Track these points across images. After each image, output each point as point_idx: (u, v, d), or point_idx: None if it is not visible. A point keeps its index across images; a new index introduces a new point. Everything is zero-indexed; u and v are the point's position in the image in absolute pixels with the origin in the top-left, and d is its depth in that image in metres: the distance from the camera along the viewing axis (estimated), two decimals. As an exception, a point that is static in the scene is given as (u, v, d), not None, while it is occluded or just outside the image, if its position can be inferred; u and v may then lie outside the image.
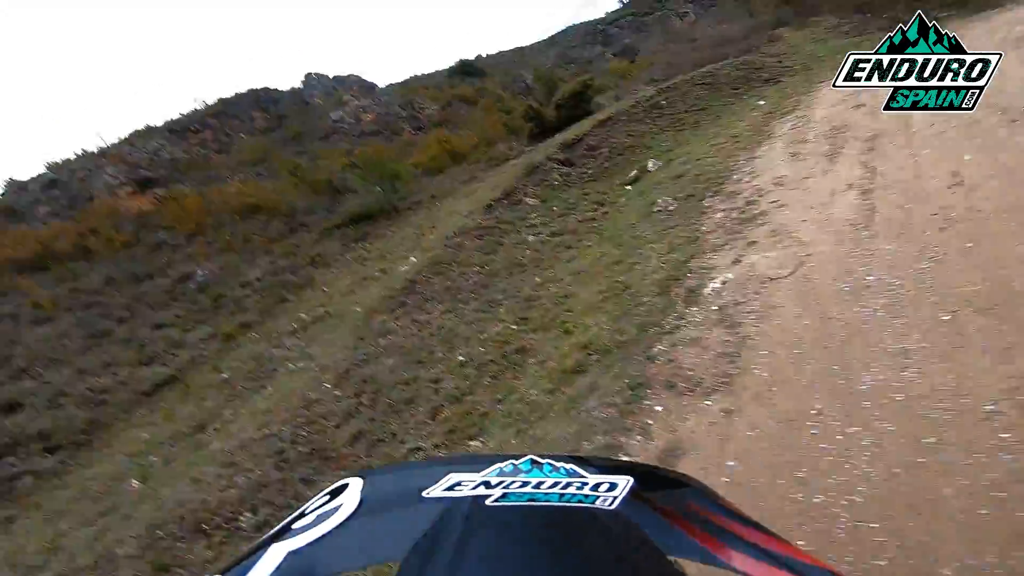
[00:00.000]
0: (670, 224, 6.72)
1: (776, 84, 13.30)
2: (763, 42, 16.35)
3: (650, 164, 10.47)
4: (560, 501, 0.53)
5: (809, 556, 0.51)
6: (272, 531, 0.53)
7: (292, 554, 0.46)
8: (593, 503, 0.54)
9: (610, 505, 0.54)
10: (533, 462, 0.60)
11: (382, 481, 0.61)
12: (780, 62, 14.43)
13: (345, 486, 0.58)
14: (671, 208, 7.33)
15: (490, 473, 0.57)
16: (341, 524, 0.50)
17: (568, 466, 0.60)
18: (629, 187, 10.07)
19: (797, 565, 0.49)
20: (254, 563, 0.47)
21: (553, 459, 0.61)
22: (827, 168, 6.33)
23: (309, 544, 0.48)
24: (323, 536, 0.49)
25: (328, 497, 0.57)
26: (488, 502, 0.52)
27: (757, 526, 0.56)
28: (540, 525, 0.50)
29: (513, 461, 0.60)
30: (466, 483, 0.55)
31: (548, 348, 5.00)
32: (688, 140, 11.40)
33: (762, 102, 11.83)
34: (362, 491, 0.56)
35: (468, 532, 0.48)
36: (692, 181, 8.00)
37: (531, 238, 8.70)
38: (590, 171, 11.54)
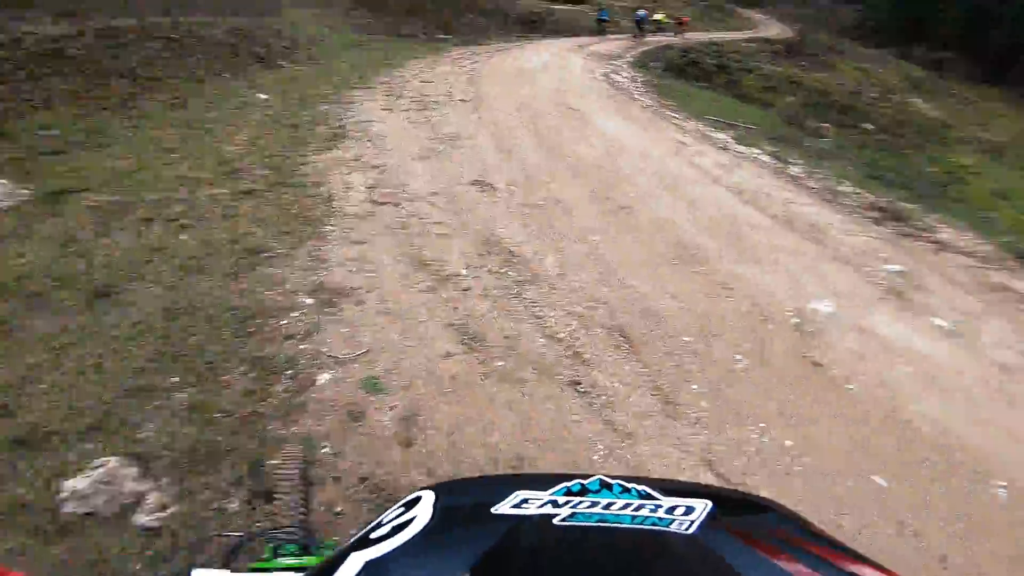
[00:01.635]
0: None
1: (276, 69, 8.80)
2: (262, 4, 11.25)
3: (-5, 194, 3.80)
4: (632, 523, 0.49)
5: None
6: (352, 540, 0.51)
7: (369, 564, 0.46)
8: (668, 527, 0.49)
9: (687, 529, 0.48)
10: (602, 483, 0.55)
11: (453, 495, 0.58)
12: (280, 39, 9.91)
13: (419, 499, 0.55)
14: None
15: (557, 492, 0.53)
16: (414, 537, 0.48)
17: (640, 487, 0.54)
18: None
19: None
20: (335, 570, 0.46)
21: (623, 480, 0.56)
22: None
23: (384, 555, 0.46)
24: (397, 548, 0.47)
25: (403, 509, 0.54)
26: (556, 521, 0.48)
27: (853, 553, 0.49)
28: (611, 547, 0.46)
29: (581, 481, 0.55)
30: (533, 501, 0.51)
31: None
32: (122, 143, 5.24)
33: (264, 96, 7.07)
34: (434, 504, 0.53)
35: (534, 551, 0.46)
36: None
37: None
38: None
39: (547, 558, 0.45)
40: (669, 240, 4.16)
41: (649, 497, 0.53)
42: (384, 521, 0.52)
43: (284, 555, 0.93)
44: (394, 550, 0.46)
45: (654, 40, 17.57)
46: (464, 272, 3.27)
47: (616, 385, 2.56)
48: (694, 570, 0.44)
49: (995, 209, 8.85)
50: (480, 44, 14.42)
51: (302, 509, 1.75)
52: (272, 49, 9.05)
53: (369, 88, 8.00)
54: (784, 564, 0.45)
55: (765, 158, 7.14)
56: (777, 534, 0.50)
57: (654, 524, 0.48)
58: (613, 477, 0.56)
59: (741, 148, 7.41)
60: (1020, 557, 2.13)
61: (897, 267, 4.59)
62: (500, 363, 2.60)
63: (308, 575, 0.53)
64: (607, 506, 0.51)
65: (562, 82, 9.94)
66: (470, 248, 3.55)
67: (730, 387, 2.69)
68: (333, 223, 3.82)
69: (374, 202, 4.18)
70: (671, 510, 0.50)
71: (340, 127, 5.99)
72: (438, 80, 9.02)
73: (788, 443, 2.43)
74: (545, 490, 0.53)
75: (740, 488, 2.28)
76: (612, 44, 15.39)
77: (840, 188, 6.47)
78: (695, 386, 2.65)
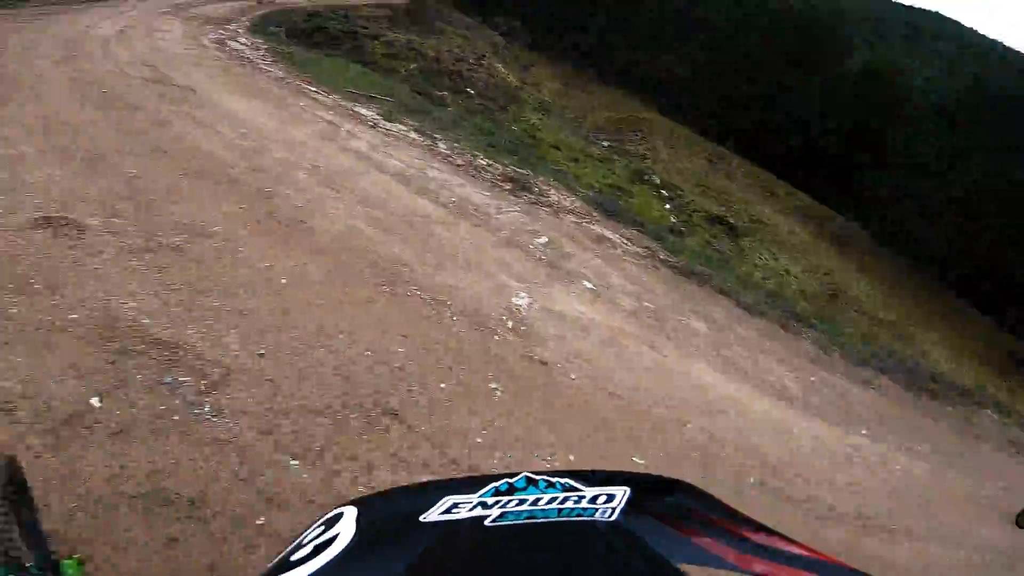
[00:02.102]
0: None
1: None
2: None
3: None
4: (559, 516, 0.50)
5: (819, 552, 0.48)
6: (271, 565, 0.49)
7: None
8: (592, 516, 0.51)
9: (609, 517, 0.50)
10: (528, 479, 0.55)
11: (377, 508, 0.56)
12: None
13: (340, 515, 0.53)
14: None
15: (485, 494, 0.53)
16: (339, 554, 0.46)
17: (563, 481, 0.56)
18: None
19: (808, 563, 0.46)
20: None
21: (548, 475, 0.57)
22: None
23: None
24: (322, 567, 0.44)
25: (323, 527, 0.51)
26: (487, 523, 0.48)
27: (760, 526, 0.52)
28: (541, 542, 0.47)
29: (508, 480, 0.55)
30: (463, 505, 0.51)
31: None
32: None
33: None
34: (357, 519, 0.51)
35: (469, 554, 0.46)
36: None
37: None
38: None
39: (481, 560, 0.43)
40: (364, 258, 3.66)
41: (573, 489, 0.52)
42: (304, 541, 0.49)
43: None
44: (318, 571, 0.43)
45: (280, 1, 15.04)
46: (97, 404, 1.95)
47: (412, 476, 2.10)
48: (618, 554, 0.44)
49: (561, 162, 11.94)
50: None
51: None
52: None
53: None
54: (698, 540, 0.45)
55: (413, 135, 7.23)
56: (690, 513, 0.51)
57: (579, 515, 0.48)
58: (538, 473, 0.55)
59: (388, 125, 7.26)
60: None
61: (543, 239, 5.54)
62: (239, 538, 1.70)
63: None
64: (535, 502, 0.50)
65: (157, 53, 7.22)
66: (85, 354, 2.13)
67: (507, 420, 2.64)
68: None
69: None
70: (594, 499, 0.50)
71: None
72: None
73: (571, 457, 2.60)
74: (474, 492, 0.51)
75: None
76: (225, 6, 12.21)
77: (478, 161, 7.24)
78: (479, 439, 2.46)
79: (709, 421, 3.65)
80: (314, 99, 7.14)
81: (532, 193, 7.00)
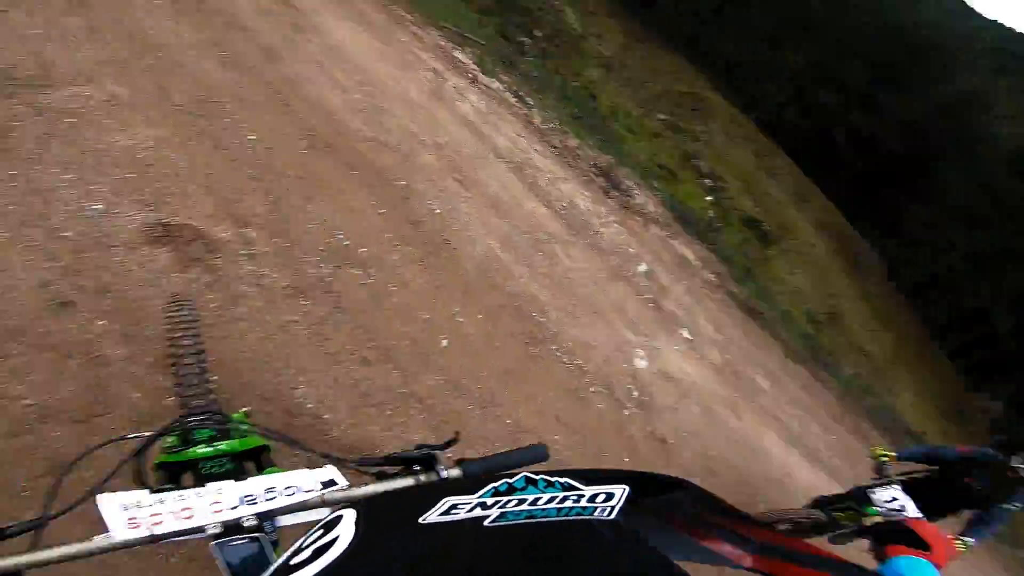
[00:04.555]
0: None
1: None
2: None
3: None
4: (558, 516, 0.48)
5: (817, 548, 0.45)
6: (272, 568, 0.44)
7: None
8: (591, 515, 0.48)
9: (608, 515, 0.48)
10: (527, 479, 0.51)
11: (376, 510, 0.50)
12: None
13: (339, 518, 0.48)
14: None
15: (485, 494, 0.49)
16: (338, 558, 0.42)
17: (562, 480, 0.52)
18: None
19: (807, 559, 0.44)
20: None
21: (547, 475, 0.52)
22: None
23: None
24: (321, 571, 0.41)
25: (323, 531, 0.47)
26: (486, 523, 0.46)
27: (759, 523, 0.49)
28: (541, 542, 0.45)
29: (507, 480, 0.50)
30: (462, 506, 0.47)
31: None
32: None
33: None
34: (356, 522, 0.46)
35: (469, 556, 0.42)
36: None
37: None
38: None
39: (481, 562, 0.41)
40: (507, 302, 3.00)
41: (572, 488, 0.50)
42: (304, 545, 0.45)
43: (198, 442, 0.79)
44: (318, 573, 0.39)
45: None
46: None
47: None
48: (618, 552, 0.42)
49: (618, 131, 10.75)
50: None
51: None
52: None
53: None
54: (699, 539, 0.44)
55: (509, 97, 6.14)
56: (691, 511, 0.47)
57: (579, 514, 0.46)
58: (537, 473, 0.51)
59: (487, 80, 6.07)
60: None
61: (644, 267, 4.87)
62: None
63: None
64: (534, 501, 0.48)
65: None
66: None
67: None
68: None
69: None
70: (593, 498, 0.48)
71: None
72: None
73: None
74: (473, 493, 0.48)
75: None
76: None
77: (568, 142, 6.27)
78: None
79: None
80: (413, 33, 5.80)
81: (621, 191, 6.18)
